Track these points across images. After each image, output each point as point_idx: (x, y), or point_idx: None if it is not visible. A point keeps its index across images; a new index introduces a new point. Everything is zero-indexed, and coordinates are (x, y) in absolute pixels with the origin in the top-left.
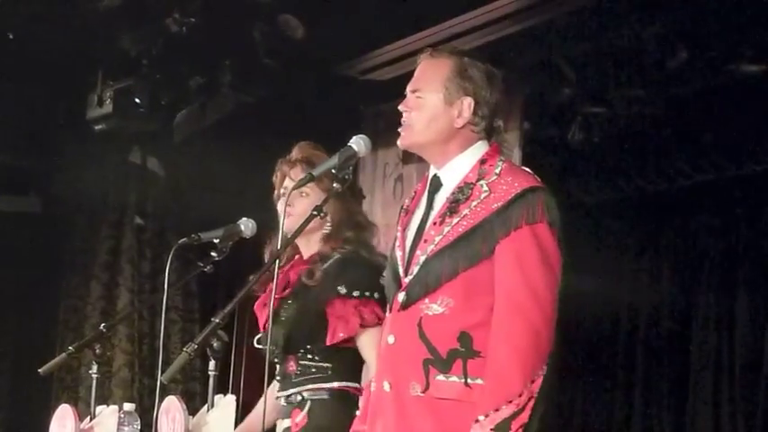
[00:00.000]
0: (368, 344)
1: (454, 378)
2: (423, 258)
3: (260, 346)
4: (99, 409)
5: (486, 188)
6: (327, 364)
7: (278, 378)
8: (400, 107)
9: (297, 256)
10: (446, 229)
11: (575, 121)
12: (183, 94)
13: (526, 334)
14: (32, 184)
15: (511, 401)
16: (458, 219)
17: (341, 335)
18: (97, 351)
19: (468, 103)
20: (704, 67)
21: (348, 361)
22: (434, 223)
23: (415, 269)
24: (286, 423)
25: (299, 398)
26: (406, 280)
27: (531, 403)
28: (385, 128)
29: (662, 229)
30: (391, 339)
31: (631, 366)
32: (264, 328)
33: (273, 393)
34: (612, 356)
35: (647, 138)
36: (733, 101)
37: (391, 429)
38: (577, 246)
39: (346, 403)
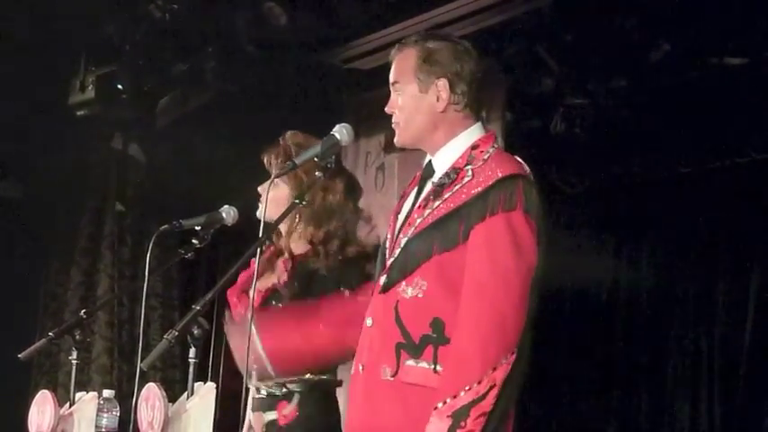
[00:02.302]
0: None
1: (424, 364)
2: (404, 241)
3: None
4: (78, 395)
5: (470, 173)
6: None
7: (254, 366)
8: (387, 110)
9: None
10: (427, 212)
11: (557, 111)
12: (165, 81)
13: (490, 319)
14: (13, 170)
15: (470, 388)
16: (439, 202)
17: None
18: (77, 337)
19: (442, 84)
20: (687, 58)
21: None
22: (419, 207)
23: (396, 251)
24: (270, 416)
25: (284, 390)
26: (389, 262)
27: (495, 392)
28: (367, 117)
29: (643, 219)
30: (369, 322)
31: (609, 355)
32: (237, 316)
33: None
34: (590, 346)
35: (630, 129)
36: (715, 93)
37: (360, 412)
38: (558, 236)
39: (331, 394)
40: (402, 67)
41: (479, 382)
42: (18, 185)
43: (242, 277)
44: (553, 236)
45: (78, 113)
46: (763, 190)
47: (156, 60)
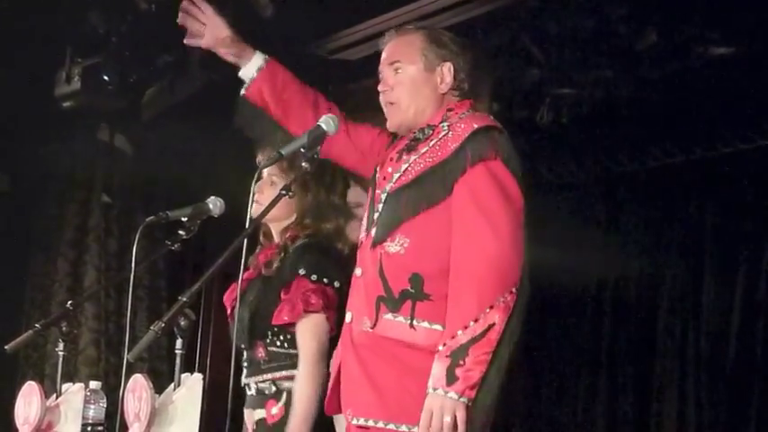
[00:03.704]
0: (304, 330)
1: (401, 318)
2: (383, 196)
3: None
4: (65, 386)
5: (445, 128)
6: (296, 351)
7: (245, 364)
8: (380, 87)
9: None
10: (404, 167)
11: (543, 102)
12: (151, 72)
13: (483, 260)
14: None
15: (467, 327)
16: (416, 156)
17: (285, 318)
18: (63, 329)
19: (447, 67)
20: (673, 49)
21: None
22: (391, 159)
23: (379, 206)
24: (259, 414)
25: (273, 388)
26: (375, 217)
27: (496, 331)
28: (354, 108)
29: (629, 211)
30: (359, 272)
31: (597, 349)
32: (233, 316)
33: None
34: (578, 338)
35: (616, 120)
36: (701, 83)
37: (347, 359)
38: (545, 227)
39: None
40: (405, 47)
41: (476, 321)
42: (3, 177)
43: (232, 285)
44: (538, 227)
45: (64, 105)
46: (750, 181)
47: (143, 51)
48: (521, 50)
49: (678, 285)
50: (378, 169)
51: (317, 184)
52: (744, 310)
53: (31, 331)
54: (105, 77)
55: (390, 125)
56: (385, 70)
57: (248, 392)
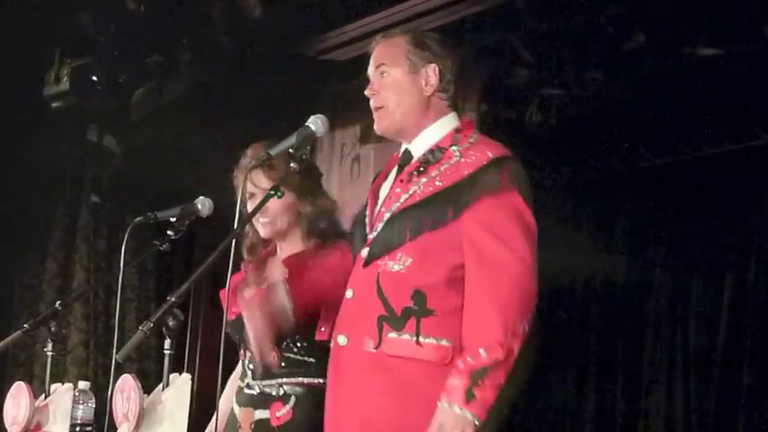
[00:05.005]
0: None
1: (406, 336)
2: (387, 215)
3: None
4: (54, 387)
5: (457, 153)
6: (311, 360)
7: (250, 367)
8: (367, 92)
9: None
10: (413, 189)
11: (532, 102)
12: (140, 72)
13: (508, 287)
14: None
15: (489, 348)
16: (426, 179)
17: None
18: (52, 329)
19: (432, 69)
20: (661, 49)
21: (327, 357)
22: (401, 180)
23: (379, 225)
24: (260, 414)
25: (281, 391)
26: (371, 236)
27: (512, 361)
28: (343, 108)
29: (618, 211)
30: (349, 294)
31: (585, 344)
32: (236, 315)
33: (234, 382)
34: (566, 335)
35: (604, 120)
36: (690, 84)
37: (345, 382)
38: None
39: (320, 399)
40: (390, 50)
41: (501, 345)
42: None
43: (233, 281)
44: None
45: (53, 105)
46: (737, 180)
47: (131, 52)
48: (510, 51)
49: (667, 284)
50: (370, 195)
51: (311, 180)
52: (732, 309)
53: (19, 331)
54: (94, 78)
55: (378, 129)
56: (372, 75)
57: (247, 391)
